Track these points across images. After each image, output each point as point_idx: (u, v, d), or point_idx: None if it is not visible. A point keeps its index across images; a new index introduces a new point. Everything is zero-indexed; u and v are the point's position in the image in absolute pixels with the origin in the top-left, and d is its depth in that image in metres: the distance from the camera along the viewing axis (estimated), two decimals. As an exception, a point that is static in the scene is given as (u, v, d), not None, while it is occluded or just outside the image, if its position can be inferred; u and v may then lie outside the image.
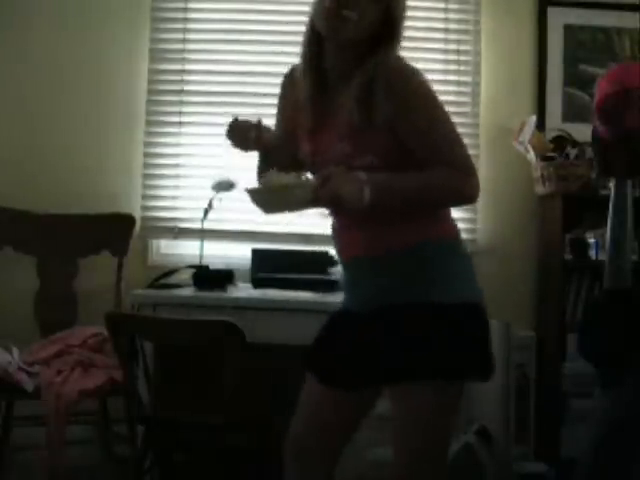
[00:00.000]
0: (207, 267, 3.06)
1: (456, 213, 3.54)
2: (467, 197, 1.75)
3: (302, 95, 1.81)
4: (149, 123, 3.45)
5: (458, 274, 1.78)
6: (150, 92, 3.45)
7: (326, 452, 1.90)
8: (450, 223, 1.84)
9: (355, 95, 1.69)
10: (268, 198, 1.70)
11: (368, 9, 1.68)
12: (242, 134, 1.87)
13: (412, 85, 1.71)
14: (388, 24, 1.71)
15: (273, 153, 1.91)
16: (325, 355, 1.89)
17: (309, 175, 1.75)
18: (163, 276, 3.05)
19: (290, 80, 1.90)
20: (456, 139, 1.75)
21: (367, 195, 1.61)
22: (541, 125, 3.38)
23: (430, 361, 1.70)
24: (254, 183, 1.83)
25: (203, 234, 3.15)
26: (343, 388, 1.83)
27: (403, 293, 1.74)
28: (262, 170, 1.91)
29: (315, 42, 1.77)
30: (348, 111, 1.71)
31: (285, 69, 3.11)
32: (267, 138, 1.87)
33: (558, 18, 3.47)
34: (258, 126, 1.84)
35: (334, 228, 1.88)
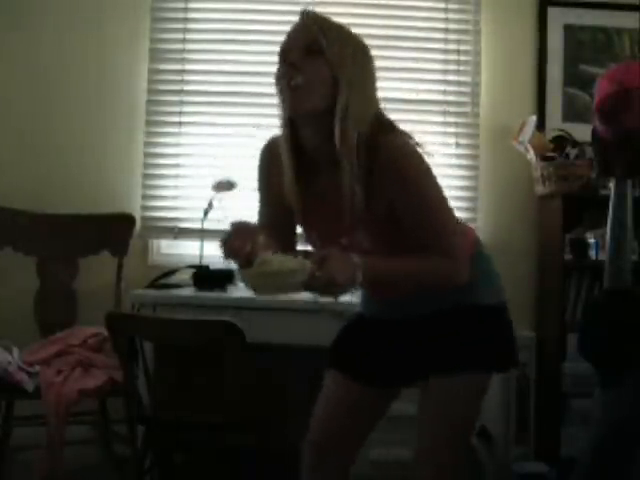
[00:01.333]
0: (207, 267, 3.06)
1: (456, 213, 3.55)
2: (453, 282, 1.77)
3: (286, 177, 1.76)
4: (149, 123, 3.45)
5: (490, 276, 1.96)
6: (150, 92, 3.45)
7: (344, 449, 1.96)
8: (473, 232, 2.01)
9: (358, 181, 1.67)
10: (263, 281, 1.63)
11: (310, 70, 1.63)
12: (236, 248, 1.66)
13: (409, 170, 1.68)
14: (338, 82, 1.63)
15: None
16: (357, 355, 1.94)
17: (301, 257, 1.66)
18: (163, 276, 3.05)
19: (270, 154, 1.84)
20: (447, 225, 1.76)
21: (359, 279, 1.63)
22: (541, 125, 3.38)
23: (473, 356, 1.82)
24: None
25: (203, 234, 3.15)
26: (378, 385, 1.91)
27: (450, 300, 1.81)
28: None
29: (289, 124, 1.72)
30: (356, 200, 1.68)
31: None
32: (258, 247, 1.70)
33: (558, 18, 3.47)
34: (255, 239, 1.66)
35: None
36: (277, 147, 1.78)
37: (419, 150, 1.70)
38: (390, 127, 1.73)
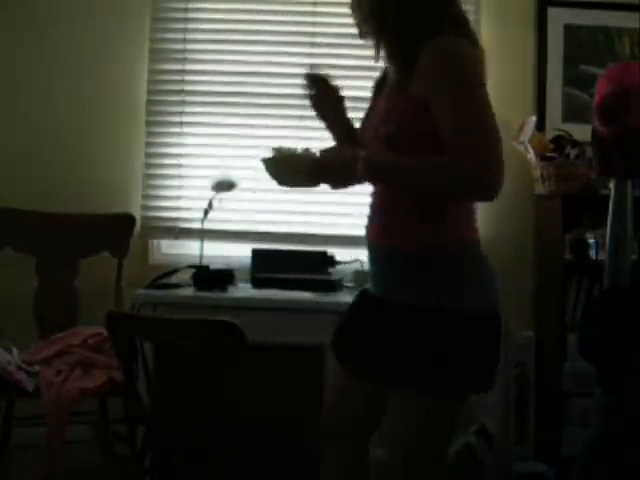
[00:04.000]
0: (207, 267, 3.06)
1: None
2: (475, 190, 1.73)
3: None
4: (149, 123, 3.45)
5: (474, 280, 1.75)
6: (150, 92, 3.45)
7: (355, 437, 1.94)
8: (464, 229, 1.81)
9: (400, 65, 1.76)
10: (275, 166, 1.81)
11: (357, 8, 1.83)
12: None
13: (449, 68, 1.68)
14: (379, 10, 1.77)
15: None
16: (347, 339, 1.91)
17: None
18: (163, 276, 3.05)
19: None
20: (480, 130, 1.70)
21: (361, 168, 1.69)
22: (541, 125, 3.38)
23: (433, 377, 1.68)
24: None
25: (203, 234, 3.15)
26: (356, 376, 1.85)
27: (411, 294, 1.73)
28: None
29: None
30: (391, 74, 1.81)
31: (285, 69, 3.17)
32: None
33: (558, 18, 3.47)
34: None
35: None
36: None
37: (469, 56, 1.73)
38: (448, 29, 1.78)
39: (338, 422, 1.93)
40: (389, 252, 1.79)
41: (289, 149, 1.83)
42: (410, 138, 1.71)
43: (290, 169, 1.81)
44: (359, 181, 1.77)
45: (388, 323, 1.75)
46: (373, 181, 1.79)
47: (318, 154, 1.77)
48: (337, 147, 1.84)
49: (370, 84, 2.00)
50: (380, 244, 1.82)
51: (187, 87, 3.46)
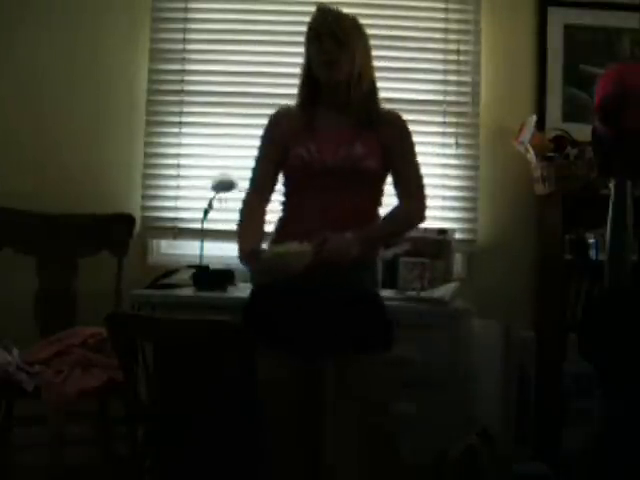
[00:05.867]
0: (207, 267, 3.06)
1: (456, 213, 3.55)
2: (420, 221, 2.34)
3: (300, 111, 2.30)
4: (149, 123, 3.45)
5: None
6: (150, 92, 3.45)
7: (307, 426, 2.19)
8: None
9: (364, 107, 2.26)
10: (272, 265, 2.04)
11: (343, 58, 2.21)
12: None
13: (408, 130, 2.33)
14: (356, 67, 2.23)
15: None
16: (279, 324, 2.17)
17: (295, 243, 2.07)
18: (163, 276, 3.05)
19: (279, 114, 2.36)
20: (421, 177, 2.33)
21: (355, 252, 2.10)
22: (541, 125, 3.38)
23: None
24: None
25: (203, 234, 3.15)
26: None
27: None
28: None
29: (311, 83, 2.29)
30: (356, 115, 2.25)
31: (285, 69, 3.20)
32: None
33: (558, 18, 3.47)
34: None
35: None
36: (286, 111, 2.34)
37: None
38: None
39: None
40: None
41: (280, 245, 2.08)
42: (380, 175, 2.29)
43: (285, 265, 2.02)
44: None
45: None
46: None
47: (310, 247, 2.04)
48: (329, 236, 2.09)
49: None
50: None
51: (187, 87, 3.46)
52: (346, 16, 2.27)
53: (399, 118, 2.32)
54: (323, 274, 2.07)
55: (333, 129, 2.25)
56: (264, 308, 2.20)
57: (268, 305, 2.20)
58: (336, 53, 2.20)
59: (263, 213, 2.31)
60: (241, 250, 2.16)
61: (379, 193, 2.30)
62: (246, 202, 2.31)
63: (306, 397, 2.19)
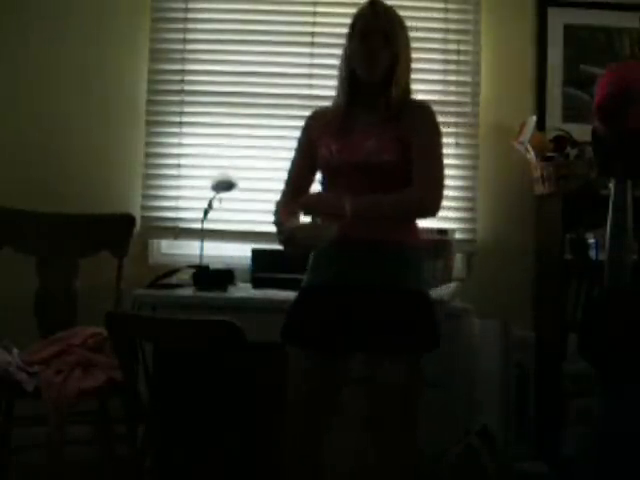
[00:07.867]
0: (207, 267, 3.06)
1: (456, 213, 3.55)
2: (425, 210, 2.25)
3: (334, 111, 2.29)
4: (149, 123, 3.45)
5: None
6: (150, 92, 3.45)
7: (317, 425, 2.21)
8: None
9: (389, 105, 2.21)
10: (302, 236, 2.10)
11: (384, 55, 2.20)
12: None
13: (435, 121, 2.26)
14: (395, 65, 2.21)
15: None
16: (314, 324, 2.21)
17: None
18: (163, 276, 3.05)
19: (315, 116, 2.36)
20: (441, 173, 2.28)
21: (348, 207, 2.09)
22: (541, 125, 3.38)
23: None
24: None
25: (203, 234, 3.15)
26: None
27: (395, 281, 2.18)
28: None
29: (352, 81, 2.26)
30: (389, 111, 2.20)
31: (285, 69, 3.21)
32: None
33: (558, 18, 3.47)
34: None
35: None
36: (322, 113, 2.35)
37: None
38: None
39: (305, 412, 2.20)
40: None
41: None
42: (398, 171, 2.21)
43: (314, 237, 2.13)
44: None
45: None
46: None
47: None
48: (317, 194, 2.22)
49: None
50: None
51: (187, 87, 3.46)
52: (394, 11, 2.24)
53: (423, 109, 2.26)
54: (369, 273, 2.15)
55: (359, 128, 2.24)
56: (310, 307, 2.26)
57: (314, 304, 2.25)
58: (382, 51, 2.19)
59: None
60: (280, 231, 2.16)
61: (404, 186, 2.21)
62: (279, 202, 2.29)
63: (328, 396, 2.23)
